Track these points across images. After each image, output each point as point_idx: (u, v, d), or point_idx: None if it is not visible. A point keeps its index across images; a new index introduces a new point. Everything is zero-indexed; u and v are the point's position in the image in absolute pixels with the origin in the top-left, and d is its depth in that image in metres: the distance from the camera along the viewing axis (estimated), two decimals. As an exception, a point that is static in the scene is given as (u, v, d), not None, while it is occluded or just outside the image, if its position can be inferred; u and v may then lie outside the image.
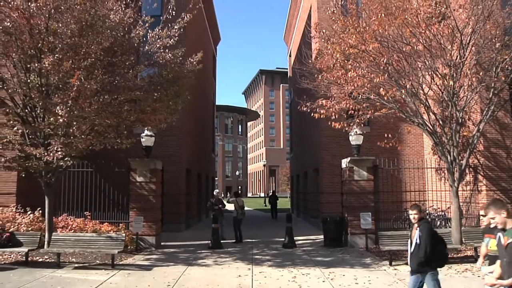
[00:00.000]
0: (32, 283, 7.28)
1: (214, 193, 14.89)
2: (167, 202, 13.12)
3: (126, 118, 9.73)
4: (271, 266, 8.94)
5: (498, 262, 3.69)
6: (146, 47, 10.48)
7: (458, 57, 9.65)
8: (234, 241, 12.49)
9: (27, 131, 9.24)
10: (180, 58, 10.66)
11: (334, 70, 10.51)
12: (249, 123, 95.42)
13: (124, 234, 9.53)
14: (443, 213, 13.08)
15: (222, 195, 52.39)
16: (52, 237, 9.28)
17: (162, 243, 11.72)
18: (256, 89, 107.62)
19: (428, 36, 9.41)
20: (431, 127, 10.21)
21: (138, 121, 10.28)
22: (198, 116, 20.72)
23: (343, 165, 11.93)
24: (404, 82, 9.87)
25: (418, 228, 4.71)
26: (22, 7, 8.22)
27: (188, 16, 10.63)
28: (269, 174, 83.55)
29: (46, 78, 8.94)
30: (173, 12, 10.46)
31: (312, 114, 11.23)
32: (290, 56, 27.91)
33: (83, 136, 9.11)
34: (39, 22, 8.50)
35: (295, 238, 11.78)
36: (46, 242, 9.57)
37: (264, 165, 59.70)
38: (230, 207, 14.72)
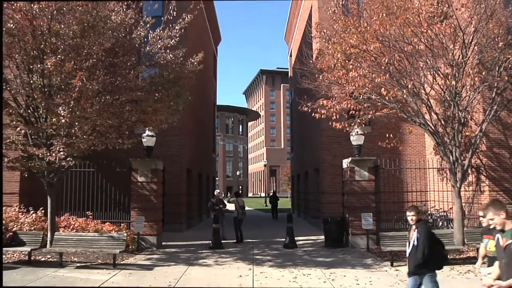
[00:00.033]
0: (35, 282, 7.32)
1: (215, 193, 14.88)
2: (168, 202, 13.13)
3: (128, 118, 9.76)
4: (272, 266, 8.95)
5: (497, 263, 3.69)
6: (147, 48, 10.50)
7: (460, 56, 9.60)
8: (235, 241, 12.51)
9: (29, 131, 9.27)
10: (181, 59, 10.68)
11: (335, 70, 10.47)
12: (249, 123, 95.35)
13: (125, 234, 9.58)
14: (445, 214, 13.01)
15: (223, 195, 52.38)
16: (55, 236, 9.32)
17: (163, 243, 11.75)
18: (257, 89, 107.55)
19: (430, 35, 9.37)
20: (433, 127, 10.15)
21: (139, 122, 10.33)
22: (199, 116, 20.74)
23: (344, 165, 11.91)
24: (405, 82, 9.83)
25: (416, 230, 4.71)
26: (25, 9, 8.26)
27: (189, 17, 10.65)
28: (270, 174, 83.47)
29: (49, 79, 8.97)
30: (174, 13, 10.47)
31: (313, 114, 11.21)
32: (290, 56, 27.89)
33: (85, 137, 9.15)
34: (41, 23, 8.53)
35: (296, 238, 11.78)
36: (48, 242, 9.62)
37: (264, 165, 59.64)
38: (230, 207, 14.71)
